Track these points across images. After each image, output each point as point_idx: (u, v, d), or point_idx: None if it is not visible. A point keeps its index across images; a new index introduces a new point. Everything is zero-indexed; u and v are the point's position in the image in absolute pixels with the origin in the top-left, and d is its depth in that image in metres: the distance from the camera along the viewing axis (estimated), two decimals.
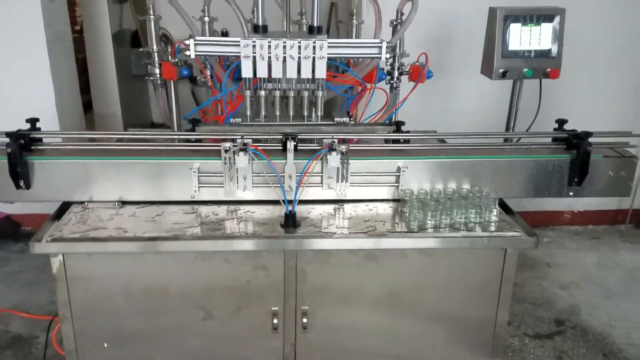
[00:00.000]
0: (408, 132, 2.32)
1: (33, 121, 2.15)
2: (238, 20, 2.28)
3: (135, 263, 2.00)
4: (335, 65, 2.37)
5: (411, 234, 2.01)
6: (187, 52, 2.08)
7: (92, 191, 2.10)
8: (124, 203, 2.14)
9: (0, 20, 3.39)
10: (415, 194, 2.12)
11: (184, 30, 2.29)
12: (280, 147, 2.07)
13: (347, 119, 2.35)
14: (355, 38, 2.62)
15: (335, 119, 2.34)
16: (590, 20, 3.72)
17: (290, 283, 2.05)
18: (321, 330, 2.14)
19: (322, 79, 2.16)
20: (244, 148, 2.00)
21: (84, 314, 2.04)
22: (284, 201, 2.02)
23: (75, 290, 2.00)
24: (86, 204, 2.12)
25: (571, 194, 2.21)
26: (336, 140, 2.04)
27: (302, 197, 2.10)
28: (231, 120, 2.28)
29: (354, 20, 2.60)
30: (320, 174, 2.12)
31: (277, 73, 2.09)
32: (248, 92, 2.25)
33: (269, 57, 2.05)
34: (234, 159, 2.03)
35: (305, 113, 2.33)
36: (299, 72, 2.09)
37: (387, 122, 2.48)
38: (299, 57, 2.05)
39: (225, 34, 2.63)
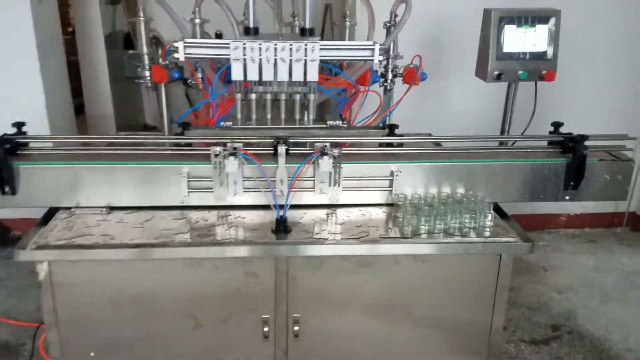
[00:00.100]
0: (402, 135, 2.29)
1: (19, 125, 2.12)
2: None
3: (122, 270, 1.96)
4: (328, 68, 2.33)
5: (404, 240, 1.97)
6: (177, 55, 2.05)
7: (79, 196, 2.06)
8: (112, 209, 2.10)
9: None
10: (408, 199, 2.08)
11: (176, 32, 2.26)
12: (272, 151, 2.03)
13: (340, 122, 2.31)
14: (349, 40, 2.59)
15: (328, 122, 2.30)
16: (587, 21, 3.70)
17: (281, 290, 2.01)
18: (313, 338, 2.10)
19: (314, 81, 2.13)
20: (234, 152, 1.96)
21: (70, 322, 1.99)
22: (275, 206, 1.98)
23: (61, 298, 1.95)
24: (73, 209, 2.08)
25: (567, 198, 2.18)
26: (328, 144, 2.00)
27: (294, 202, 2.06)
28: (222, 123, 2.25)
29: (347, 22, 2.57)
30: (312, 179, 2.08)
31: (268, 76, 2.05)
32: (239, 95, 2.22)
33: (260, 60, 2.02)
34: (224, 163, 1.99)
35: (297, 116, 2.30)
36: (290, 74, 2.05)
37: (381, 125, 2.45)
38: (291, 60, 2.02)
39: (219, 36, 2.59)
